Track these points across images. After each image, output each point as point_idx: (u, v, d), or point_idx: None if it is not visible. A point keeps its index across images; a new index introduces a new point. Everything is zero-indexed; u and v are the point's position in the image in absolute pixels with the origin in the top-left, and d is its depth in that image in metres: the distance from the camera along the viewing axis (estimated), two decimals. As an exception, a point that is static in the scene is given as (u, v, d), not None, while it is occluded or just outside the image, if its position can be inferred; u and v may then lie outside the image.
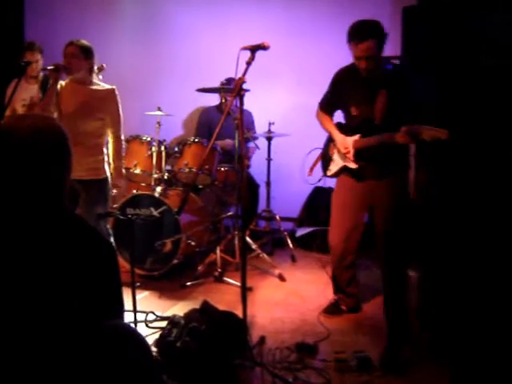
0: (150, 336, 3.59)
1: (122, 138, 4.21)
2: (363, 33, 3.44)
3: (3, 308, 1.66)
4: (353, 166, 3.73)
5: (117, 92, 4.13)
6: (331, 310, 4.14)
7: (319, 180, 4.30)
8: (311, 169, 4.41)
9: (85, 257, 1.74)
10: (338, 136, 3.81)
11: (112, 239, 4.17)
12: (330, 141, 3.99)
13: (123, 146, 4.24)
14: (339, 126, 3.91)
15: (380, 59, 3.51)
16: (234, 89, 3.39)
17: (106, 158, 4.16)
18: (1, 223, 1.72)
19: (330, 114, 4.02)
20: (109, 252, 1.85)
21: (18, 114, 3.91)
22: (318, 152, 4.22)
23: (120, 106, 4.13)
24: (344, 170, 3.84)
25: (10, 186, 1.73)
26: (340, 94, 3.82)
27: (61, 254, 1.71)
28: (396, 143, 3.40)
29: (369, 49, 3.41)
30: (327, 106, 4.00)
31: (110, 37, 6.62)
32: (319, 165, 4.17)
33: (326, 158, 4.05)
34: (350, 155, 3.69)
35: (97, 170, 4.06)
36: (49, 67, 3.82)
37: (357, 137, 3.66)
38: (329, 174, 4.01)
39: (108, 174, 4.16)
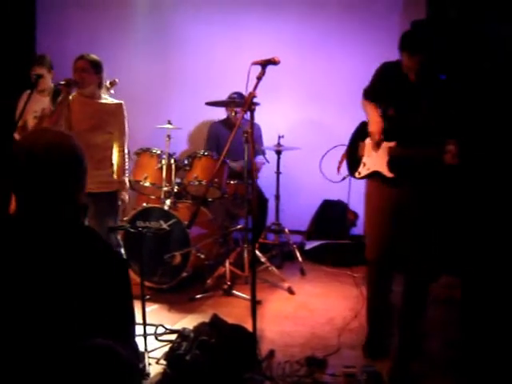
0: (160, 349, 3.61)
1: (126, 151, 4.22)
2: (415, 46, 3.34)
3: (13, 318, 1.67)
4: (389, 174, 3.53)
5: (124, 107, 4.15)
6: (375, 350, 3.71)
7: (343, 178, 4.17)
8: (339, 167, 4.29)
9: (97, 271, 1.75)
10: (376, 122, 3.58)
11: (122, 250, 4.18)
12: (358, 139, 3.79)
13: (127, 160, 4.25)
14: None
15: (431, 70, 3.41)
16: (244, 103, 3.40)
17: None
18: (14, 237, 1.74)
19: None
20: (121, 267, 1.86)
21: (34, 129, 3.94)
22: (341, 149, 4.08)
23: (126, 120, 4.16)
24: (374, 174, 3.65)
25: (23, 201, 1.76)
26: (380, 89, 3.64)
27: (73, 267, 1.72)
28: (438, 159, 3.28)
29: (418, 62, 3.33)
30: (370, 95, 3.75)
31: (121, 50, 6.66)
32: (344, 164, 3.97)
33: (353, 158, 3.82)
34: (383, 153, 3.53)
35: (107, 183, 4.08)
36: (61, 82, 3.85)
37: (392, 144, 3.51)
38: (357, 176, 3.77)
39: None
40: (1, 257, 1.71)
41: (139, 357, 3.16)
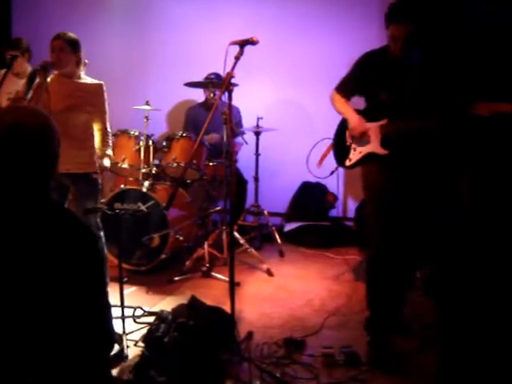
0: (138, 331, 3.59)
1: (109, 130, 4.18)
2: (398, 14, 3.23)
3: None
4: (382, 152, 3.41)
5: (104, 88, 4.11)
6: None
7: (332, 173, 4.03)
8: (320, 161, 4.15)
9: (68, 250, 1.72)
10: (354, 117, 3.51)
11: (102, 233, 4.15)
12: (346, 129, 3.67)
13: (110, 137, 4.21)
14: (358, 112, 3.58)
15: (414, 42, 3.29)
16: (222, 84, 3.37)
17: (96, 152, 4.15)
18: None
19: (348, 98, 3.67)
20: (94, 246, 1.83)
21: (3, 108, 3.89)
22: (325, 143, 3.91)
23: (107, 101, 4.12)
24: (367, 158, 3.52)
25: None
26: (366, 79, 3.50)
27: (43, 247, 1.69)
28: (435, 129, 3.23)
29: (402, 31, 3.22)
30: (347, 89, 3.63)
31: (98, 32, 6.59)
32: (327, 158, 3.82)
33: (341, 148, 3.70)
34: (375, 140, 3.44)
35: (87, 163, 4.02)
36: (38, 66, 3.79)
37: (383, 122, 3.41)
38: (348, 163, 3.63)
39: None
40: None
41: (114, 339, 3.14)
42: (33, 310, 1.66)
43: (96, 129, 4.11)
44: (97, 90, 4.06)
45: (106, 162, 4.14)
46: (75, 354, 1.70)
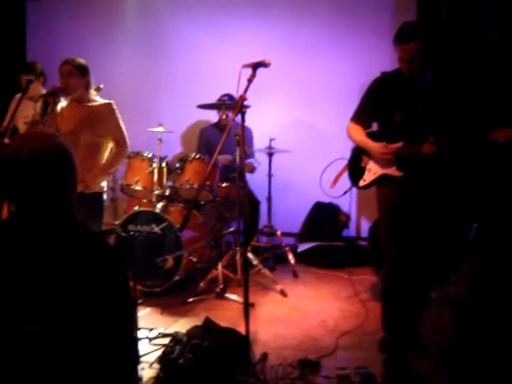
0: (153, 353, 3.59)
1: (127, 149, 4.20)
2: (405, 35, 3.29)
3: (6, 315, 1.69)
4: (397, 174, 3.44)
5: (114, 106, 4.13)
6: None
7: (345, 193, 4.04)
8: (335, 181, 4.15)
9: (98, 270, 1.77)
10: (375, 145, 3.50)
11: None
12: (361, 152, 3.68)
13: (122, 155, 4.21)
14: (372, 134, 3.60)
15: (424, 62, 3.32)
16: (235, 106, 3.39)
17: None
18: (8, 241, 1.76)
19: (367, 126, 3.67)
20: (122, 266, 1.89)
21: (21, 134, 3.94)
22: (338, 164, 3.93)
23: (120, 118, 4.13)
24: (382, 179, 3.55)
25: (15, 205, 1.80)
26: (380, 103, 3.52)
27: (72, 267, 1.73)
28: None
29: (410, 51, 3.26)
30: (363, 117, 3.65)
31: (111, 54, 6.67)
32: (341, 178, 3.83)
33: (355, 168, 3.72)
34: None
35: (84, 184, 4.03)
36: (48, 91, 3.86)
37: (400, 144, 3.40)
38: (362, 183, 3.66)
39: (105, 188, 4.16)
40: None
41: (136, 362, 3.14)
42: (59, 329, 1.70)
43: (113, 146, 4.14)
44: (106, 110, 4.09)
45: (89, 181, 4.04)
46: (100, 371, 1.73)
